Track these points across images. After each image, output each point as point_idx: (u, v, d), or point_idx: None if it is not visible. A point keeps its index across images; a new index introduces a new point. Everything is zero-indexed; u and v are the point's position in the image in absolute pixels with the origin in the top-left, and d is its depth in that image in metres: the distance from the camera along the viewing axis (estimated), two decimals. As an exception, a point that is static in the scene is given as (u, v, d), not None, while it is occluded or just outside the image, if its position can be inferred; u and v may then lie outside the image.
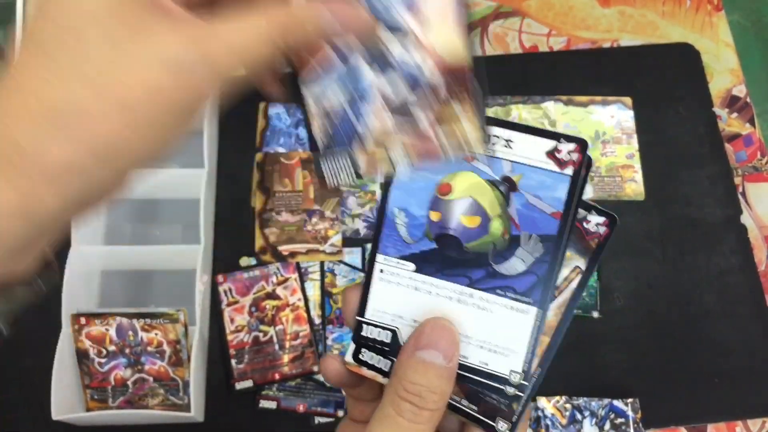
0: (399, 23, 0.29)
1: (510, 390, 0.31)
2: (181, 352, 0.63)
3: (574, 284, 0.32)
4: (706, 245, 0.73)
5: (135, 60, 0.22)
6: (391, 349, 0.32)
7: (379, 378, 0.32)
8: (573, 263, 0.32)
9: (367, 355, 0.32)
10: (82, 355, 0.63)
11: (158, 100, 0.22)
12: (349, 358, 0.33)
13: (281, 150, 0.75)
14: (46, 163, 0.21)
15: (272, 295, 0.69)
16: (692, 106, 0.78)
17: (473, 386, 0.31)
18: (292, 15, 0.25)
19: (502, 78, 0.79)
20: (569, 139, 0.31)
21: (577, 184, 0.31)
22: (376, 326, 0.32)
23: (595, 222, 0.32)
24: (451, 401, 0.31)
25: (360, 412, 0.34)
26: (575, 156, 0.31)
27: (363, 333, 0.33)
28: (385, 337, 0.32)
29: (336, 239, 0.71)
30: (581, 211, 0.32)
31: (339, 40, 0.29)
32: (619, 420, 0.65)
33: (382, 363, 0.32)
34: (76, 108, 0.21)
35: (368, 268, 0.33)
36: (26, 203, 0.21)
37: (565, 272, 0.32)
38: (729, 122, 0.79)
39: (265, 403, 0.66)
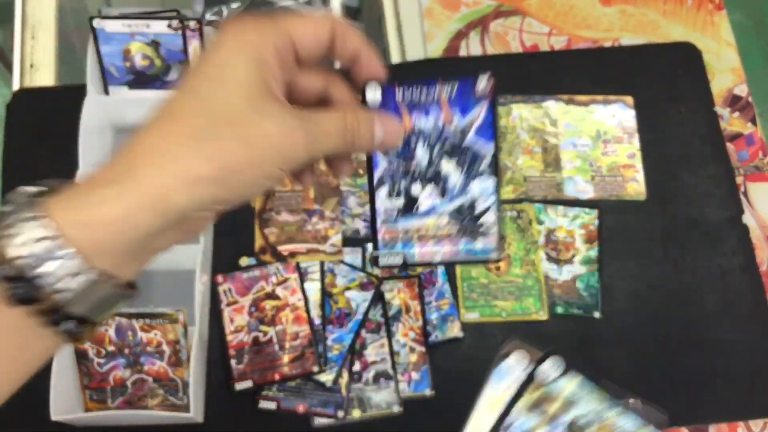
0: None
1: None
2: (181, 352, 0.63)
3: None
4: (707, 245, 0.72)
5: (262, 117, 0.30)
6: None
7: None
8: None
9: None
10: (81, 356, 0.63)
11: (273, 148, 0.30)
12: None
13: (281, 150, 0.74)
14: (187, 171, 0.28)
15: (272, 295, 0.69)
16: (694, 105, 0.78)
17: None
18: (354, 128, 0.33)
19: (503, 77, 0.79)
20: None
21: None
22: None
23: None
24: None
25: None
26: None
27: None
28: None
29: (336, 239, 0.71)
30: None
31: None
32: (621, 421, 0.65)
33: None
34: (216, 137, 0.29)
35: None
36: (163, 198, 0.28)
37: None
38: (731, 122, 0.79)
39: (264, 404, 0.66)
